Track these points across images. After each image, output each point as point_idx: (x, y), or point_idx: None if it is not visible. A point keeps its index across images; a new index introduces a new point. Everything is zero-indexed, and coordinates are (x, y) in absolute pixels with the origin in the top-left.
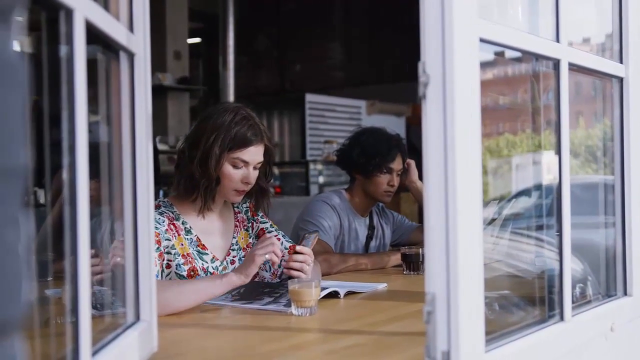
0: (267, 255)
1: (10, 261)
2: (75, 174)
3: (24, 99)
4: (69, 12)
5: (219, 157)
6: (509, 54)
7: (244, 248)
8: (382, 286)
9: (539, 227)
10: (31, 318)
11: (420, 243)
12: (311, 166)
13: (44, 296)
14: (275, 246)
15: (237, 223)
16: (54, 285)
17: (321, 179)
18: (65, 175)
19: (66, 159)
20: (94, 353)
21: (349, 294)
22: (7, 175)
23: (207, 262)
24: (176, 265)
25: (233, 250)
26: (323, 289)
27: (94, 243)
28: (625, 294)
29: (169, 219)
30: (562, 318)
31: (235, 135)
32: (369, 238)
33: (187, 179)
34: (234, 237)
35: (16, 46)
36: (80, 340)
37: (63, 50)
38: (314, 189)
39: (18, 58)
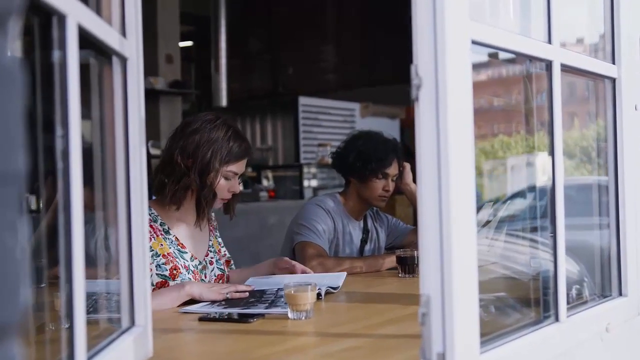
0: (228, 295)
1: (10, 265)
2: (69, 179)
3: (22, 104)
4: (62, 18)
5: (218, 171)
6: (503, 55)
7: (217, 251)
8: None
9: (534, 229)
10: (26, 324)
11: (414, 245)
12: (305, 169)
13: (41, 302)
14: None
15: (212, 228)
16: (48, 291)
17: (315, 182)
18: (59, 180)
19: (60, 164)
20: (89, 358)
21: (329, 293)
22: (6, 180)
23: (187, 261)
24: (157, 266)
25: (211, 251)
26: None
27: (87, 249)
28: (620, 294)
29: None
30: (557, 319)
31: (231, 150)
32: (364, 242)
33: (182, 190)
34: (210, 240)
35: (13, 52)
36: (75, 346)
37: (55, 55)
38: (307, 193)
39: (15, 64)
